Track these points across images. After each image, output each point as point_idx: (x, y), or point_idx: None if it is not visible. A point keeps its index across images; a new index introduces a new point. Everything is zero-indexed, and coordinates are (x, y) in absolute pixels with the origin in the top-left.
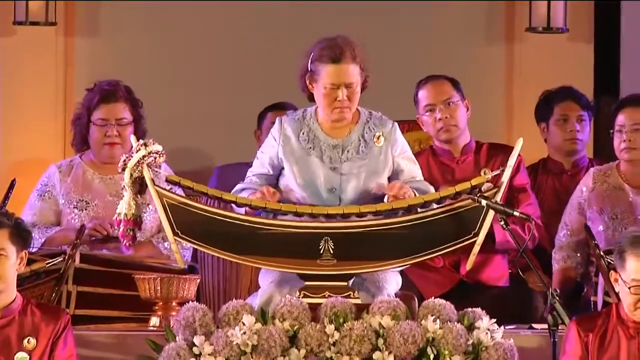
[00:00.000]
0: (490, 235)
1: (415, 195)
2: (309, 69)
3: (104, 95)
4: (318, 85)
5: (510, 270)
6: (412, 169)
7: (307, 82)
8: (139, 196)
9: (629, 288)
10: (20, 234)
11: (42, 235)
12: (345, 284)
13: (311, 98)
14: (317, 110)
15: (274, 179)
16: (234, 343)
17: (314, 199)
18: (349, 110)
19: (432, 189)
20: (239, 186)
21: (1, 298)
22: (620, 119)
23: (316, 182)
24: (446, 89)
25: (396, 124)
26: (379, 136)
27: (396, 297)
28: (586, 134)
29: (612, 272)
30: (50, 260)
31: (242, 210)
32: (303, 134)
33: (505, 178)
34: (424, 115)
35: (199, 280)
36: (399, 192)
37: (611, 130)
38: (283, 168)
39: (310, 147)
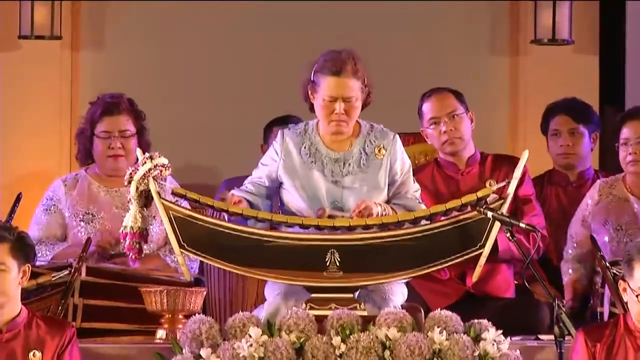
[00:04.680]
0: (493, 244)
1: (396, 212)
2: (312, 79)
3: (106, 107)
4: (318, 96)
5: (516, 282)
6: (405, 185)
7: (309, 93)
8: (145, 209)
9: (637, 296)
10: (22, 248)
11: (50, 252)
12: (352, 295)
13: (312, 109)
14: (319, 124)
15: (270, 191)
16: (241, 355)
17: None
18: (346, 124)
19: (422, 207)
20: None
21: (4, 312)
22: (625, 132)
23: (318, 196)
24: (450, 101)
25: (397, 135)
26: (380, 148)
27: (402, 308)
28: (582, 148)
29: (620, 281)
30: (57, 274)
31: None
32: (305, 147)
33: (512, 190)
34: (429, 128)
35: (205, 293)
36: (363, 212)
37: (617, 144)
38: (281, 183)
39: (312, 161)
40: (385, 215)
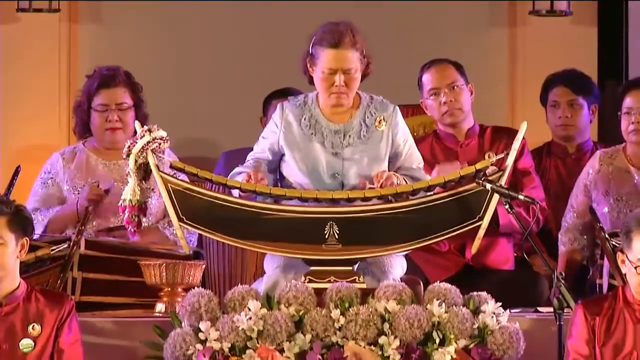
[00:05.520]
0: (494, 218)
1: (406, 183)
2: (310, 52)
3: (103, 80)
4: (317, 69)
5: (515, 254)
6: (410, 156)
7: (308, 65)
8: (143, 182)
9: (635, 268)
10: (20, 221)
11: (46, 217)
12: (351, 268)
13: (311, 81)
14: (318, 96)
15: (273, 165)
16: (240, 328)
17: (317, 185)
18: (347, 96)
19: (428, 178)
20: (237, 169)
21: (3, 285)
22: (628, 101)
23: (318, 168)
24: (450, 72)
25: (397, 107)
26: (380, 120)
27: (401, 281)
28: (581, 119)
29: (619, 253)
30: (55, 247)
31: (236, 192)
32: (305, 119)
33: (510, 161)
34: (428, 99)
35: (204, 266)
36: (385, 182)
37: (619, 113)
38: (284, 154)
39: (312, 133)
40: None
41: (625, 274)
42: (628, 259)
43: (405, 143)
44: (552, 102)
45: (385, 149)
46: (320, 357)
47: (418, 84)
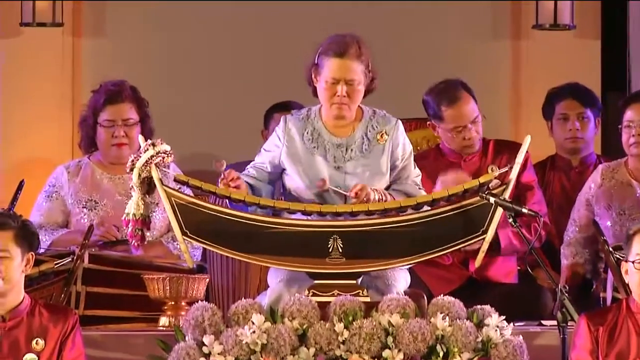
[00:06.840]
0: (496, 242)
1: (393, 198)
2: (315, 62)
3: (109, 96)
4: (321, 79)
5: (518, 267)
6: (406, 170)
7: (313, 76)
8: (147, 196)
9: (633, 262)
10: (26, 236)
11: (49, 237)
12: (354, 282)
13: (315, 93)
14: (321, 109)
15: (272, 176)
16: (244, 342)
17: (319, 199)
18: (348, 107)
19: (422, 193)
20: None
21: (8, 300)
22: (629, 114)
23: None
24: (472, 108)
25: (400, 121)
26: (382, 134)
27: (405, 294)
28: (589, 132)
29: (623, 263)
30: (59, 261)
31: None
32: (307, 133)
33: (514, 175)
34: (450, 132)
35: (208, 280)
36: (360, 193)
37: (620, 126)
38: (284, 169)
39: (315, 147)
40: (383, 201)
41: (628, 284)
42: (629, 261)
43: (403, 157)
44: (560, 115)
45: (386, 163)
46: None
47: (429, 107)
